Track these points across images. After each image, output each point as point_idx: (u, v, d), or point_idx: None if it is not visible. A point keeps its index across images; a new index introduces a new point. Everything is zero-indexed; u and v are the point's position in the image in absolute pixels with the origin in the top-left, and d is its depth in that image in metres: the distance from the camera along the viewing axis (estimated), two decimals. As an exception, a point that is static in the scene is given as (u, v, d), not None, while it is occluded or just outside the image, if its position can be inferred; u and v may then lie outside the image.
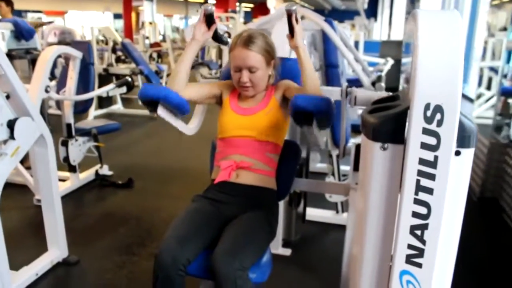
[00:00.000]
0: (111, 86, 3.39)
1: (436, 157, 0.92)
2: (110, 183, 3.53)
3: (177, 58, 10.37)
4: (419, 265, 0.99)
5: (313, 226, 2.80)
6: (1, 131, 1.90)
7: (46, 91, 2.90)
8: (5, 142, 1.94)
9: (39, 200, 3.02)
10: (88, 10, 20.46)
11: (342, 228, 2.80)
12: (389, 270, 1.04)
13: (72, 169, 3.36)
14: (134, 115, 6.22)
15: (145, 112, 6.34)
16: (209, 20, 1.63)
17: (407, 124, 0.94)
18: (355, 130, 2.69)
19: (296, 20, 1.58)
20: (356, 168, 1.59)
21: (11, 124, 1.93)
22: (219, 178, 1.59)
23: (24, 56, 3.56)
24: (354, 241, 1.19)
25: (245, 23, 11.20)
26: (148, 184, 3.58)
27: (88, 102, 3.39)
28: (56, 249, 2.33)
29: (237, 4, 19.92)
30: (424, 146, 0.91)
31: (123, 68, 5.96)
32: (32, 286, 2.14)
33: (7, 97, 1.96)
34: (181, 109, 1.59)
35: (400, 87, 1.38)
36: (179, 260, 1.32)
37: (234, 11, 16.12)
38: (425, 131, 0.91)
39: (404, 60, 1.34)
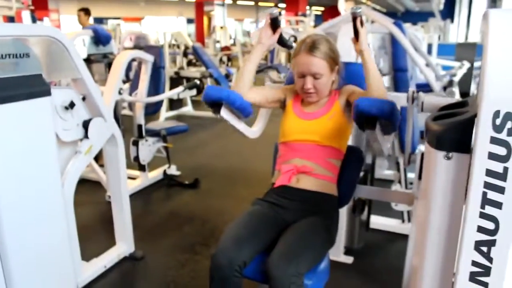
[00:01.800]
0: (180, 88, 3.51)
1: (506, 169, 0.84)
2: (177, 183, 3.65)
3: (246, 61, 10.54)
4: (485, 285, 0.92)
5: (377, 235, 2.70)
6: (77, 130, 2.03)
7: (120, 93, 3.06)
8: (80, 140, 2.08)
9: (110, 197, 3.21)
10: (163, 16, 21.44)
11: (407, 238, 2.70)
12: (452, 286, 0.98)
13: (142, 168, 3.53)
14: (203, 117, 6.40)
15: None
16: (274, 24, 1.64)
17: (474, 132, 0.88)
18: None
19: (361, 23, 1.54)
20: (420, 176, 1.52)
21: (86, 124, 2.06)
22: (279, 182, 1.59)
23: (101, 60, 3.79)
24: (415, 253, 1.13)
25: (315, 26, 11.12)
26: (213, 185, 3.67)
27: (158, 104, 3.54)
28: (124, 244, 2.45)
29: (308, 7, 19.84)
30: (492, 156, 0.84)
31: (193, 71, 6.16)
32: (100, 277, 2.26)
33: (83, 99, 2.09)
34: (244, 112, 1.61)
35: (471, 92, 1.29)
36: (235, 262, 1.33)
37: (304, 15, 16.07)
38: (494, 141, 0.84)
39: (477, 64, 1.26)
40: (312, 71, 1.56)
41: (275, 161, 1.78)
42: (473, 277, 0.92)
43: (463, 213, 0.92)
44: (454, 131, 0.91)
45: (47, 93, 1.74)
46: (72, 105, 1.96)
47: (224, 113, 1.60)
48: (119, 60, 3.08)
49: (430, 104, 1.50)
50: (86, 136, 2.07)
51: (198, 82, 3.65)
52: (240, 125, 1.72)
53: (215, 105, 1.58)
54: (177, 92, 3.51)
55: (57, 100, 1.86)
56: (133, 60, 3.70)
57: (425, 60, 2.61)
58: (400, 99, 1.68)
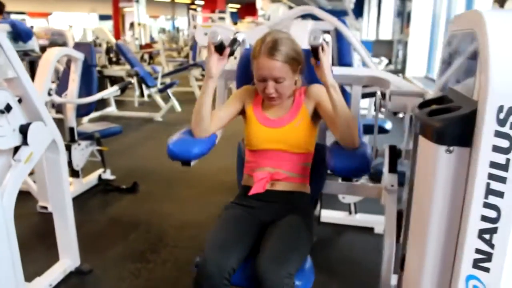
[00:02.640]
0: (115, 88, 3.32)
1: (508, 160, 0.89)
2: (114, 187, 3.45)
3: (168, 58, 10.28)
4: (486, 270, 0.96)
5: (328, 228, 2.77)
6: (13, 137, 1.83)
7: (49, 94, 2.82)
8: (16, 149, 1.87)
9: (43, 207, 2.95)
10: (73, 11, 20.19)
11: (355, 229, 2.81)
12: (451, 275, 1.02)
13: (75, 174, 3.28)
14: (129, 117, 6.13)
15: (141, 114, 6.27)
16: (219, 48, 1.50)
17: (476, 126, 0.92)
18: (367, 130, 2.67)
19: (323, 50, 1.42)
20: (391, 170, 1.58)
21: (23, 129, 1.86)
22: (254, 190, 1.54)
23: (23, 59, 3.45)
24: (410, 245, 1.16)
25: (235, 23, 11.14)
26: (153, 188, 3.52)
27: (91, 105, 3.31)
28: (68, 258, 2.26)
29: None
30: (496, 149, 0.89)
31: (117, 70, 5.87)
32: (47, 297, 2.07)
33: (19, 101, 1.89)
34: (212, 147, 1.60)
35: (437, 86, 1.36)
36: (224, 269, 1.28)
37: (223, 12, 16.03)
38: (498, 134, 0.88)
39: (455, 62, 1.29)
40: (274, 75, 1.46)
41: (240, 163, 1.74)
42: (476, 264, 0.96)
43: (463, 204, 0.96)
44: (455, 125, 0.94)
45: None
46: (8, 108, 1.76)
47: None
48: (47, 58, 2.84)
49: (399, 104, 1.55)
50: (25, 142, 1.87)
51: (132, 81, 3.47)
52: None
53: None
54: (112, 92, 3.32)
55: (-9, 104, 1.65)
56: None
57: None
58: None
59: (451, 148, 0.95)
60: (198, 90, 7.94)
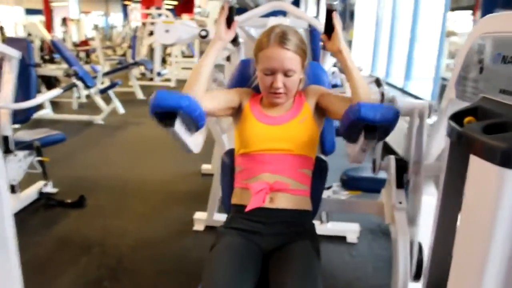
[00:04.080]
0: (58, 90, 2.95)
1: None
2: (57, 202, 3.07)
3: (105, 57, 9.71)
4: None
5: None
6: None
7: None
8: None
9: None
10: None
11: (327, 238, 2.68)
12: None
13: (11, 189, 2.87)
14: (67, 121, 5.64)
15: (80, 117, 5.78)
16: (230, 16, 1.41)
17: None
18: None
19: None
20: (399, 185, 1.43)
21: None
22: (251, 205, 1.33)
23: None
24: (456, 269, 1.00)
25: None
26: (103, 201, 3.18)
27: (30, 111, 2.91)
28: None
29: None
30: None
31: (53, 69, 5.36)
32: None
33: None
34: (201, 122, 1.30)
35: (455, 93, 1.23)
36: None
37: (159, 8, 15.47)
38: None
39: (490, 68, 1.13)
40: (285, 67, 1.33)
41: (227, 178, 1.52)
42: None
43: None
44: (529, 146, 0.80)
45: None
46: None
47: (178, 126, 1.27)
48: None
49: (407, 108, 1.41)
50: None
51: (77, 82, 3.11)
52: (189, 139, 1.39)
53: (167, 116, 1.24)
54: (56, 94, 2.94)
55: None
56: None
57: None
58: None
59: (521, 171, 0.81)
60: (139, 90, 7.54)
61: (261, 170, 1.38)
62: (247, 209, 1.34)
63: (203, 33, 2.26)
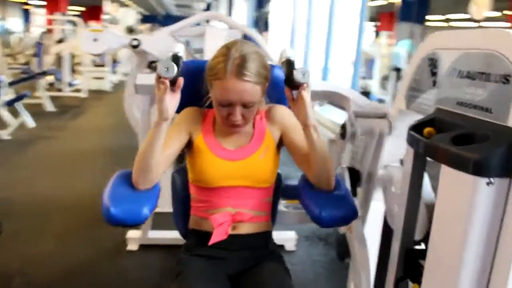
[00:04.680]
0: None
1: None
2: (-34, 230, 2.72)
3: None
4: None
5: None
6: None
7: None
8: None
9: None
10: None
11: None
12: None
13: None
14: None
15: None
16: (174, 79, 1.15)
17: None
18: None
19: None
20: (354, 194, 1.48)
21: None
22: (214, 238, 1.25)
23: None
24: (429, 271, 1.03)
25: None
26: (20, 225, 2.87)
27: None
28: None
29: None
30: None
31: None
32: None
33: None
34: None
35: (405, 104, 1.29)
36: None
37: (64, 14, 14.59)
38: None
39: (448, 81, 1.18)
40: (244, 100, 1.19)
41: (180, 200, 1.45)
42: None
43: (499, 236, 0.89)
44: (500, 156, 0.86)
45: None
46: None
47: None
48: None
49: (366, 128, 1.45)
50: None
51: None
52: None
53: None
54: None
55: None
56: None
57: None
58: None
59: (492, 180, 0.87)
60: (49, 101, 7.03)
61: (222, 204, 1.30)
62: (210, 243, 1.26)
63: (135, 43, 2.16)
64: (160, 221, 2.85)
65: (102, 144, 5.24)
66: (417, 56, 1.27)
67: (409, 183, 1.14)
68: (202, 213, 1.33)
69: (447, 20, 17.42)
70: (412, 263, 1.18)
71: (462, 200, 0.91)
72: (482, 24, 10.40)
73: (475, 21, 9.31)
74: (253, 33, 2.24)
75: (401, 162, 1.45)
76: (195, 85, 1.33)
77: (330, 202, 1.23)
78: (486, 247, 0.91)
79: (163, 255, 2.55)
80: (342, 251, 1.53)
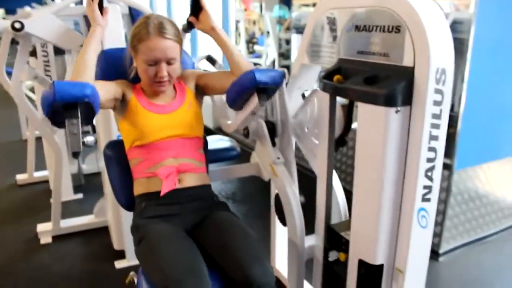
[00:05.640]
0: None
1: (441, 110, 1.13)
2: None
3: None
4: (429, 200, 1.21)
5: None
6: None
7: None
8: None
9: None
10: None
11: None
12: (400, 212, 1.22)
13: None
14: None
15: None
16: (101, 2, 1.52)
17: (414, 87, 1.11)
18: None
19: None
20: (273, 144, 1.68)
21: None
22: (165, 189, 1.36)
23: None
24: (358, 194, 1.28)
25: None
26: None
27: None
28: None
29: None
30: (435, 103, 1.11)
31: None
32: None
33: None
34: (97, 112, 1.24)
35: (306, 58, 1.51)
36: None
37: None
38: (436, 91, 1.10)
39: (347, 35, 1.39)
40: (168, 56, 1.38)
41: (118, 175, 1.50)
42: (423, 197, 1.20)
43: (407, 153, 1.17)
44: (403, 89, 1.12)
45: None
46: None
47: (76, 120, 1.17)
48: None
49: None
50: None
51: None
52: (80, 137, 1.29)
53: (67, 108, 1.15)
54: None
55: None
56: None
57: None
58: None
59: (399, 108, 1.13)
60: None
61: (164, 157, 1.41)
62: (162, 194, 1.37)
63: (17, 25, 1.99)
64: (69, 210, 2.79)
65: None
66: (313, 16, 1.49)
67: (328, 121, 1.39)
68: (147, 173, 1.43)
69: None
70: (334, 236, 1.46)
71: (378, 128, 1.16)
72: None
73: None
74: (140, 5, 2.25)
75: (303, 96, 1.70)
76: (119, 69, 1.52)
77: (260, 70, 1.43)
78: (399, 162, 1.18)
79: (80, 242, 2.51)
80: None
